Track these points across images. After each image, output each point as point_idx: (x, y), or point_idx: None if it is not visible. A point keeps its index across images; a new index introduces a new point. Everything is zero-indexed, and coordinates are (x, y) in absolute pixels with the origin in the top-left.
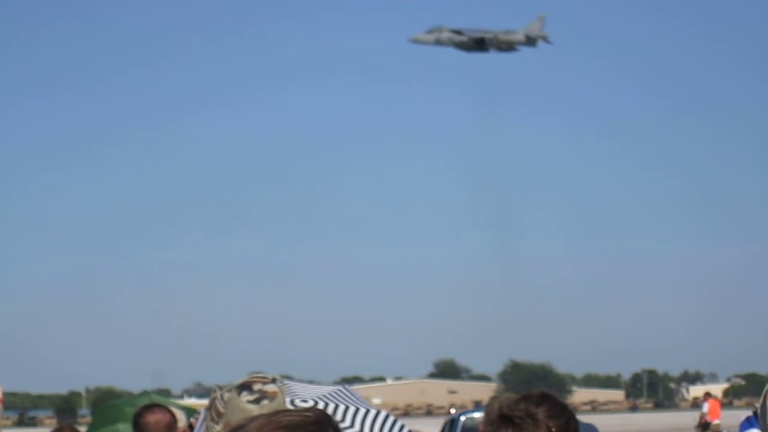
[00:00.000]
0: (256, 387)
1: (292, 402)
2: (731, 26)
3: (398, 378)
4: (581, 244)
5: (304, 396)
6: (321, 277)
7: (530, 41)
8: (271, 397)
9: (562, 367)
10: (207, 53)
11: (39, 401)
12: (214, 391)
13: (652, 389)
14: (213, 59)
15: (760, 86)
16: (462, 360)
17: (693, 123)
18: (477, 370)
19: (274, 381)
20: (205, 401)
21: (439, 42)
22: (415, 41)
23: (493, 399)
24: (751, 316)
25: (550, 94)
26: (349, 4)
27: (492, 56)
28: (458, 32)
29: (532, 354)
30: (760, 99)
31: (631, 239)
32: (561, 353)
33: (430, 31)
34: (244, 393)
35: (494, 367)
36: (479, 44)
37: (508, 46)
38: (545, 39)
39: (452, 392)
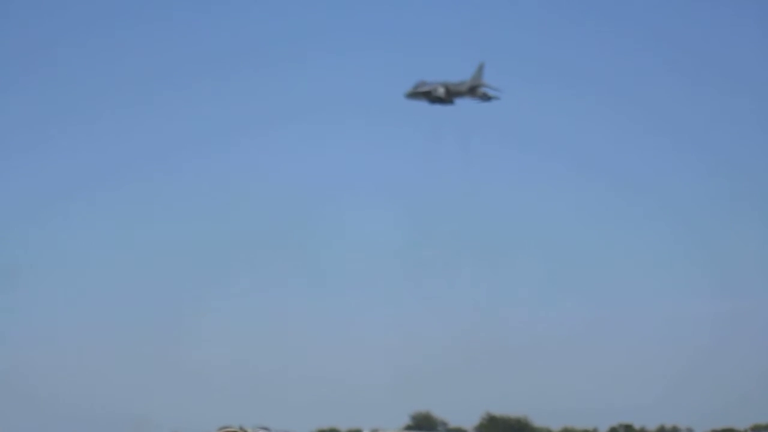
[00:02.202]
0: None
1: None
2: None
3: (375, 430)
4: (560, 299)
5: None
6: (299, 328)
7: (473, 92)
8: None
9: (539, 421)
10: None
11: None
12: None
13: None
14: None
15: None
16: (439, 412)
17: (670, 158)
18: (454, 422)
19: None
20: None
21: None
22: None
23: None
24: (729, 373)
25: (536, 141)
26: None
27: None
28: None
29: (509, 407)
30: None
31: (610, 295)
32: (538, 406)
33: (416, 86)
34: None
35: (471, 419)
36: (447, 97)
37: (475, 96)
38: (485, 96)
39: None
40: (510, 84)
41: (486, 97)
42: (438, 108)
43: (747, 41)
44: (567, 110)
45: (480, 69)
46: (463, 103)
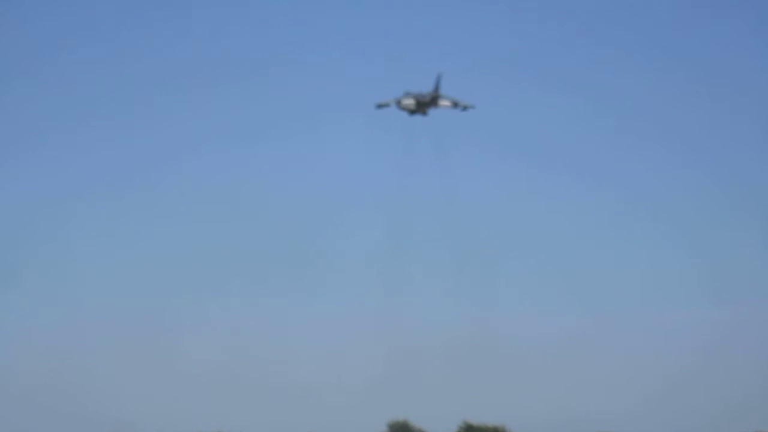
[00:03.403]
0: None
1: None
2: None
3: None
4: (541, 308)
5: None
6: (278, 335)
7: (435, 102)
8: None
9: (517, 430)
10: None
11: None
12: None
13: None
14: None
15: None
16: (416, 421)
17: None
18: (431, 431)
19: None
20: None
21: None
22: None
23: None
24: (713, 384)
25: (523, 147)
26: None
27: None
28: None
29: (486, 416)
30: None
31: (591, 303)
32: (516, 415)
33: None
34: None
35: (448, 428)
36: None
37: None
38: (461, 105)
39: None
40: (493, 88)
41: (462, 107)
42: (419, 118)
43: (742, 46)
44: (555, 116)
45: (438, 80)
46: (445, 113)
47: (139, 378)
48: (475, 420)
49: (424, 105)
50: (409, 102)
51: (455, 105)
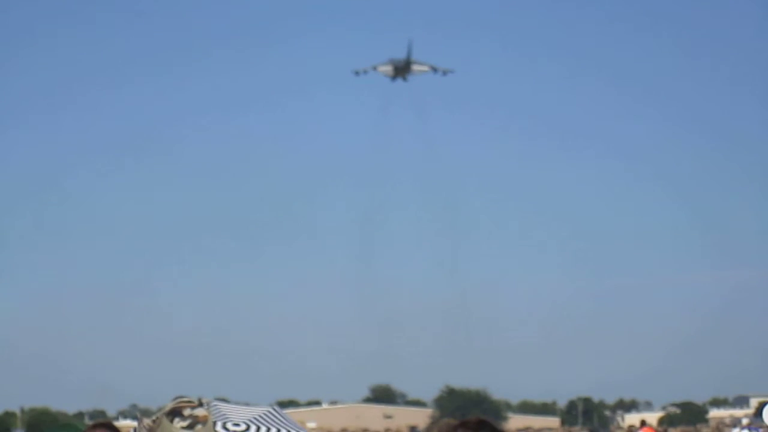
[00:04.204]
0: (186, 412)
1: (224, 425)
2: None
3: (333, 402)
4: (517, 272)
5: (236, 419)
6: (259, 300)
7: (407, 68)
8: (203, 421)
9: (497, 394)
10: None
11: None
12: (140, 420)
13: (588, 417)
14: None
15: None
16: (398, 385)
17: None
18: (413, 395)
19: (201, 405)
20: None
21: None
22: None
23: (431, 425)
24: (688, 345)
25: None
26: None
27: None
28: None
29: (468, 380)
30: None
31: (566, 267)
32: (497, 379)
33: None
34: (177, 419)
35: (430, 392)
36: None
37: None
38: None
39: (388, 417)
40: (482, 51)
41: (442, 71)
42: (400, 82)
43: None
44: (550, 80)
45: (409, 46)
46: (425, 78)
47: (119, 343)
48: (457, 384)
49: (401, 70)
50: (387, 68)
51: (434, 70)
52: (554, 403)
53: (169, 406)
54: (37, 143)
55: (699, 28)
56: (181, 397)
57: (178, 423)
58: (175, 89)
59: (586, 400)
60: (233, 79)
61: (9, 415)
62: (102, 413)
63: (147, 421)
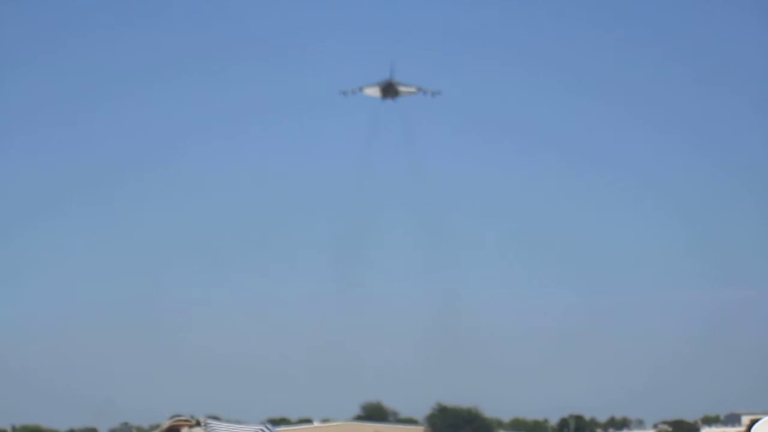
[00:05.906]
0: (184, 431)
1: None
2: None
3: (325, 420)
4: (509, 290)
5: None
6: (250, 317)
7: (391, 89)
8: None
9: (489, 412)
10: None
11: None
12: None
13: None
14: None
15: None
16: (389, 403)
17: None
18: (404, 413)
19: (198, 424)
20: None
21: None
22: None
23: None
24: (679, 363)
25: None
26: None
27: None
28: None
29: (459, 398)
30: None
31: (558, 285)
32: (488, 397)
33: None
34: None
35: (421, 410)
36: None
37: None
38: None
39: None
40: (469, 69)
41: (431, 93)
42: (389, 102)
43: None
44: (536, 96)
45: (392, 67)
46: (413, 99)
47: (120, 358)
48: (448, 402)
49: (387, 91)
50: (372, 90)
51: (422, 91)
52: (546, 421)
53: (167, 424)
54: (44, 155)
55: (700, 47)
56: (178, 416)
57: None
58: (160, 112)
59: (578, 418)
60: (223, 98)
61: None
62: (93, 431)
63: None
